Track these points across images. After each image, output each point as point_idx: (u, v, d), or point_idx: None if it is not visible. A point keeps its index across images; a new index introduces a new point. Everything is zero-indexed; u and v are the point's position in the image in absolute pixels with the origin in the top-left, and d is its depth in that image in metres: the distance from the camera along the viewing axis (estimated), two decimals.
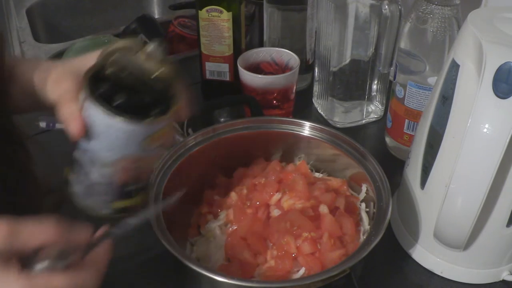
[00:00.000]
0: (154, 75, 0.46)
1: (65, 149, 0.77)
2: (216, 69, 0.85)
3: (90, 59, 0.47)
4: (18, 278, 0.37)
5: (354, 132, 0.82)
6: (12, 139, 0.55)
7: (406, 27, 0.67)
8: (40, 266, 0.39)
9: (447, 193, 0.49)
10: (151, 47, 0.45)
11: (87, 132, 0.45)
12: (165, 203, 0.48)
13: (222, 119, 0.77)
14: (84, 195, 0.49)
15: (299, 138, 0.64)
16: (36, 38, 1.13)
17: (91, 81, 0.45)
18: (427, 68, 0.67)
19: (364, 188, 0.60)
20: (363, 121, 0.84)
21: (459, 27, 0.63)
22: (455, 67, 0.51)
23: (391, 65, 0.77)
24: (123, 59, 0.46)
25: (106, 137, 0.45)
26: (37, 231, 0.38)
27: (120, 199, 0.50)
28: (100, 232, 0.42)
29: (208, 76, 0.86)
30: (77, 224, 0.41)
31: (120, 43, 0.46)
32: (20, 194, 0.55)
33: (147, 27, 0.99)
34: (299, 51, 0.85)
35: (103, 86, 0.45)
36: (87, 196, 0.49)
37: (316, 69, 0.84)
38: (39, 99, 0.51)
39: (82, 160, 0.48)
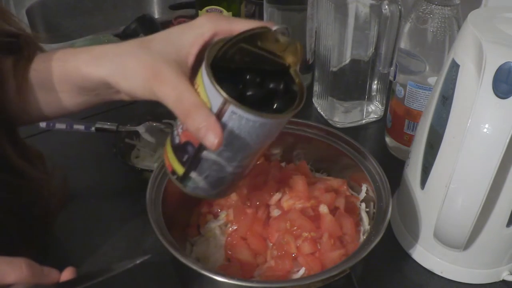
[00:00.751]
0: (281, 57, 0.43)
1: (66, 149, 0.77)
2: None
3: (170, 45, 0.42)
4: None
5: (354, 132, 0.82)
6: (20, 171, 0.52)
7: (406, 27, 0.67)
8: None
9: (447, 193, 0.49)
10: (279, 27, 0.42)
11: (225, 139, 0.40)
12: (127, 264, 0.45)
13: None
14: (211, 188, 0.46)
15: (299, 138, 0.64)
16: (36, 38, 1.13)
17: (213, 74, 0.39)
18: (427, 68, 0.67)
19: (364, 188, 0.60)
20: (363, 121, 0.84)
21: (459, 27, 0.63)
22: (455, 67, 0.51)
23: (391, 65, 0.77)
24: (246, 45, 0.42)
25: (248, 135, 0.41)
26: (10, 270, 0.39)
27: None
28: (65, 275, 0.43)
29: None
30: (45, 267, 0.42)
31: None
32: (29, 212, 0.55)
33: (147, 27, 0.99)
34: None
35: (226, 79, 0.40)
36: (215, 187, 0.47)
37: (316, 69, 0.84)
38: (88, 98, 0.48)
39: (210, 158, 0.43)
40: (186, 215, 0.60)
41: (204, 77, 0.40)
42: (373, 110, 0.84)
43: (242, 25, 0.43)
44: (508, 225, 0.53)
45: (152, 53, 0.43)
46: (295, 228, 0.54)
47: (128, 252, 0.61)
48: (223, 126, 0.39)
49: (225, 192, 0.49)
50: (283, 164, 0.66)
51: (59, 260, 0.60)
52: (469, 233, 0.50)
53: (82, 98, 0.49)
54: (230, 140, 0.41)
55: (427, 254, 0.59)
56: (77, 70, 0.46)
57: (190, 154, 0.43)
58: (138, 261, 0.45)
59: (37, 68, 0.48)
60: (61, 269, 0.57)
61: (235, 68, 0.43)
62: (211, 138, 0.38)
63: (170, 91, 0.41)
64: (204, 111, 0.39)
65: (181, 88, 0.41)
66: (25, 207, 0.54)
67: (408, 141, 0.73)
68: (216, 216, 0.60)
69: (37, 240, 0.57)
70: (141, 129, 0.72)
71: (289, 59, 0.44)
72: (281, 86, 0.44)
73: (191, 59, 0.44)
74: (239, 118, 0.39)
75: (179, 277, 0.56)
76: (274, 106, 0.43)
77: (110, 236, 0.63)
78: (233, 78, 0.42)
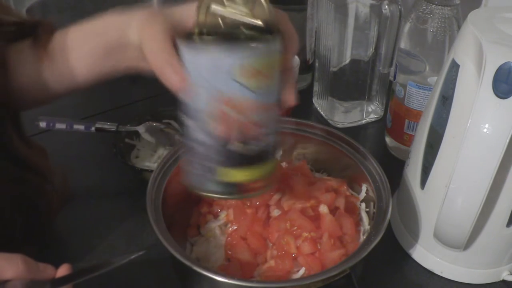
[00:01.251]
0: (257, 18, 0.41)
1: (66, 149, 0.77)
2: None
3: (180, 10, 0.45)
4: None
5: (354, 132, 0.82)
6: (24, 163, 0.53)
7: (406, 27, 0.67)
8: None
9: (447, 193, 0.49)
10: None
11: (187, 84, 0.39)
12: (122, 260, 0.45)
13: None
14: (191, 171, 0.42)
15: (299, 138, 0.64)
16: None
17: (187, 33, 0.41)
18: (427, 68, 0.67)
19: (364, 188, 0.60)
20: (363, 121, 0.84)
21: (459, 27, 0.63)
22: (455, 67, 0.51)
23: (391, 65, 0.77)
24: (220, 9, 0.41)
25: (196, 72, 0.39)
26: (7, 266, 0.40)
27: (227, 165, 0.40)
28: (61, 271, 0.43)
29: None
30: (41, 263, 0.42)
31: None
32: (31, 208, 0.55)
33: None
34: (299, 51, 0.85)
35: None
36: (193, 170, 0.42)
37: (316, 69, 0.84)
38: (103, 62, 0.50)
39: (186, 125, 0.41)
40: (186, 215, 0.60)
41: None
42: (373, 110, 0.84)
43: None
44: (508, 225, 0.53)
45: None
46: (295, 228, 0.54)
47: (128, 251, 0.61)
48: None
49: (205, 180, 0.43)
50: (283, 164, 0.66)
51: (58, 258, 0.60)
52: (469, 233, 0.50)
53: (100, 64, 0.50)
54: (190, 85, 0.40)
55: (427, 254, 0.59)
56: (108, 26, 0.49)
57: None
58: (132, 257, 0.45)
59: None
60: (59, 267, 0.57)
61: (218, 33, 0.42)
62: (171, 76, 0.41)
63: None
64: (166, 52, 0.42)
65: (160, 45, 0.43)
66: (28, 203, 0.54)
67: (408, 141, 0.73)
68: (216, 216, 0.60)
69: (38, 238, 0.58)
70: (141, 129, 0.72)
71: (257, 13, 0.41)
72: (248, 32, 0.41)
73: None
74: (187, 52, 0.39)
75: (179, 277, 0.56)
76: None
77: (110, 236, 0.63)
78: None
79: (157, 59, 0.42)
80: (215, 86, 0.39)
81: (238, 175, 0.41)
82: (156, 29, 0.43)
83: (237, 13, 0.41)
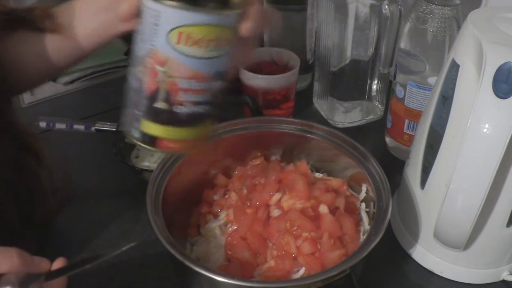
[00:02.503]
0: None
1: (66, 149, 0.77)
2: None
3: None
4: None
5: (354, 132, 0.82)
6: (21, 143, 0.55)
7: (406, 27, 0.67)
8: None
9: (447, 193, 0.49)
10: None
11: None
12: (114, 251, 0.46)
13: None
14: (124, 113, 0.43)
15: (299, 138, 0.64)
16: None
17: None
18: (427, 68, 0.67)
19: (364, 188, 0.60)
20: (363, 121, 0.84)
21: (459, 27, 0.63)
22: (455, 67, 0.51)
23: (391, 65, 0.77)
24: None
25: (141, 22, 0.40)
26: (1, 260, 0.40)
27: (149, 118, 0.41)
28: (56, 264, 0.43)
29: None
30: (36, 257, 0.42)
31: None
32: (30, 202, 0.55)
33: None
34: (299, 51, 0.85)
35: None
36: (125, 112, 0.43)
37: (316, 69, 0.84)
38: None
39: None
40: (186, 215, 0.60)
41: None
42: (373, 110, 0.84)
43: None
44: (508, 225, 0.53)
45: None
46: (295, 228, 0.54)
47: (127, 251, 0.61)
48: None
49: (131, 125, 0.43)
50: (283, 164, 0.66)
51: (57, 257, 0.61)
52: (469, 233, 0.50)
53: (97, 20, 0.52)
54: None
55: (427, 254, 0.59)
56: None
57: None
58: (124, 248, 0.46)
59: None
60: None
61: None
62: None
63: None
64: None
65: None
66: (24, 191, 0.54)
67: (408, 141, 0.73)
68: (216, 216, 0.60)
69: (37, 237, 0.58)
70: None
71: None
72: None
73: None
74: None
75: (179, 277, 0.56)
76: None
77: (109, 236, 0.63)
78: None
79: None
80: (153, 42, 0.39)
81: (158, 130, 0.41)
82: None
83: None
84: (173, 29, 0.38)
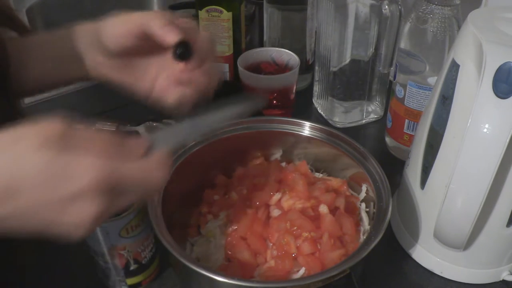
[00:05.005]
0: None
1: None
2: None
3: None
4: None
5: (354, 132, 0.82)
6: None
7: (406, 27, 0.67)
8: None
9: (447, 193, 0.49)
10: None
11: None
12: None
13: None
14: (104, 278, 0.56)
15: (299, 138, 0.64)
16: None
17: None
18: (427, 68, 0.67)
19: (364, 188, 0.60)
20: (363, 121, 0.84)
21: (459, 27, 0.63)
22: (455, 67, 0.51)
23: (391, 65, 0.77)
24: None
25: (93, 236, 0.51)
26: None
27: (131, 276, 0.55)
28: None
29: None
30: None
31: None
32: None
33: None
34: (299, 51, 0.85)
35: None
36: (107, 279, 0.56)
37: (316, 69, 0.84)
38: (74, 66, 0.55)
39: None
40: (186, 215, 0.60)
41: None
42: (373, 110, 0.84)
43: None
44: (508, 225, 0.53)
45: None
46: (295, 228, 0.54)
47: None
48: None
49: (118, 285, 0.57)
50: (283, 164, 0.66)
51: (57, 258, 0.60)
52: (469, 233, 0.50)
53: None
54: None
55: (427, 254, 0.59)
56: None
57: None
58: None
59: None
60: (56, 265, 0.57)
61: None
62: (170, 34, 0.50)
63: None
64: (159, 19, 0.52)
65: None
66: None
67: (408, 141, 0.73)
68: (216, 216, 0.60)
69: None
70: (141, 129, 0.72)
71: None
72: None
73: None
74: None
75: (179, 277, 0.56)
76: None
77: None
78: None
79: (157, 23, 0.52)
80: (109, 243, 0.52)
81: (137, 278, 0.56)
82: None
83: None
84: (122, 229, 0.51)
